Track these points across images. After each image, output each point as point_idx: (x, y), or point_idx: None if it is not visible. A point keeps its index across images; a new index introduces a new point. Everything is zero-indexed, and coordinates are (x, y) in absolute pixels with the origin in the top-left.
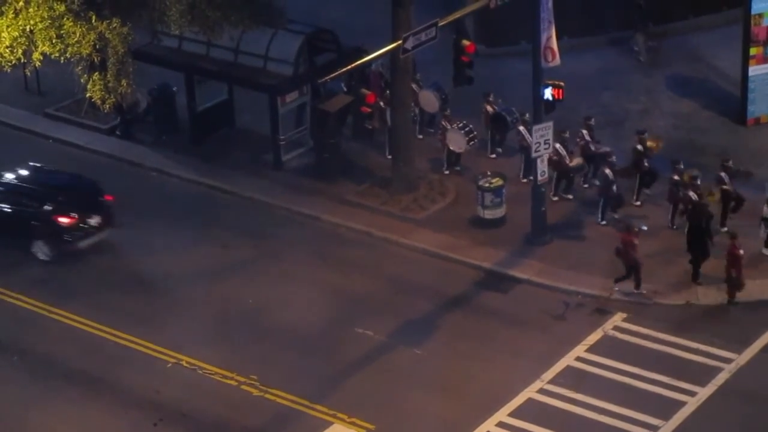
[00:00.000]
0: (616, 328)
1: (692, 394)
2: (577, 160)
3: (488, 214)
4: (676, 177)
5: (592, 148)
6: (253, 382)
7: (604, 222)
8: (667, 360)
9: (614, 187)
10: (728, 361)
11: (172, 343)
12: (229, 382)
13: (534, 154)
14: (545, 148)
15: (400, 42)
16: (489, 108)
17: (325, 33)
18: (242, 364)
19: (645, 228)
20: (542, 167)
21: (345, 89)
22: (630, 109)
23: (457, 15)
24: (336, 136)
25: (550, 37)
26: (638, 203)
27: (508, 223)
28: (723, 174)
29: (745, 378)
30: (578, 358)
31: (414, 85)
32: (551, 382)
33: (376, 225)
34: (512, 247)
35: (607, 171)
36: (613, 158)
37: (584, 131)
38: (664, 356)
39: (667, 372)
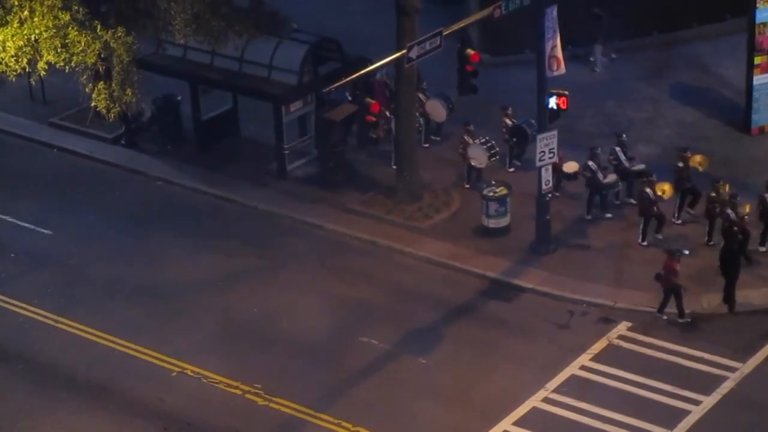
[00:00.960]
0: (620, 337)
1: (697, 403)
2: (610, 177)
3: (493, 224)
4: (713, 194)
5: (626, 165)
6: (257, 390)
7: (645, 243)
8: (672, 369)
9: (656, 207)
10: (733, 369)
11: (177, 352)
12: (233, 391)
13: (538, 163)
14: (549, 157)
15: (404, 51)
16: (508, 121)
17: (329, 42)
18: (247, 373)
19: (687, 252)
20: (546, 176)
21: (350, 98)
22: (634, 118)
23: (461, 24)
24: (340, 145)
25: (555, 46)
26: (679, 222)
27: (512, 232)
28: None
29: (750, 387)
30: (583, 367)
31: (421, 95)
32: (556, 391)
33: (380, 234)
34: (517, 256)
35: (648, 190)
36: (653, 177)
37: (617, 148)
38: (668, 365)
39: (671, 381)
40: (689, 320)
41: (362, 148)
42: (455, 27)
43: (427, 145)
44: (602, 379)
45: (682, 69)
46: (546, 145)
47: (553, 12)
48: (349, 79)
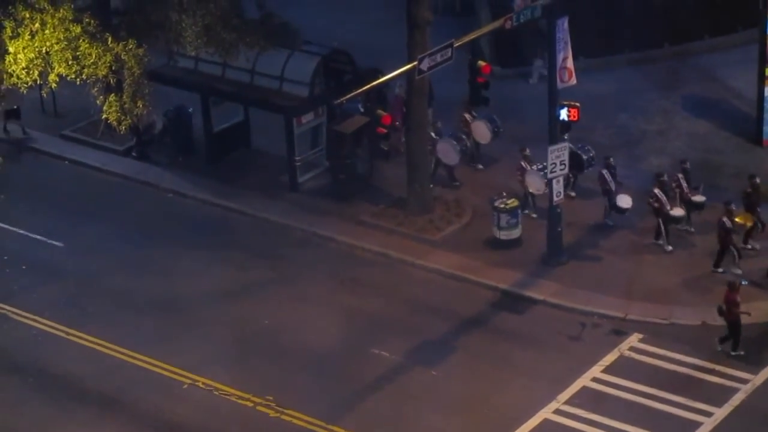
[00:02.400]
0: (632, 348)
1: (708, 414)
2: (678, 210)
3: (504, 235)
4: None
5: (687, 194)
6: (269, 402)
7: (721, 270)
8: (683, 381)
9: (733, 236)
10: (744, 381)
11: (188, 364)
12: (245, 403)
13: (549, 175)
14: (561, 169)
15: (415, 63)
16: None
17: (340, 54)
18: (258, 385)
19: (745, 282)
20: (557, 188)
21: (362, 110)
22: (646, 130)
23: (472, 36)
24: (352, 157)
25: (567, 58)
26: (720, 270)
27: (524, 244)
28: None
29: (761, 398)
30: (594, 379)
31: (467, 115)
32: (567, 402)
33: (392, 246)
34: (528, 268)
35: (726, 219)
36: (732, 206)
37: (680, 175)
38: (680, 377)
39: (683, 393)
40: (742, 353)
41: (374, 160)
42: (466, 39)
43: (482, 166)
44: (614, 390)
45: (694, 81)
46: (557, 157)
47: (564, 24)
48: (360, 90)
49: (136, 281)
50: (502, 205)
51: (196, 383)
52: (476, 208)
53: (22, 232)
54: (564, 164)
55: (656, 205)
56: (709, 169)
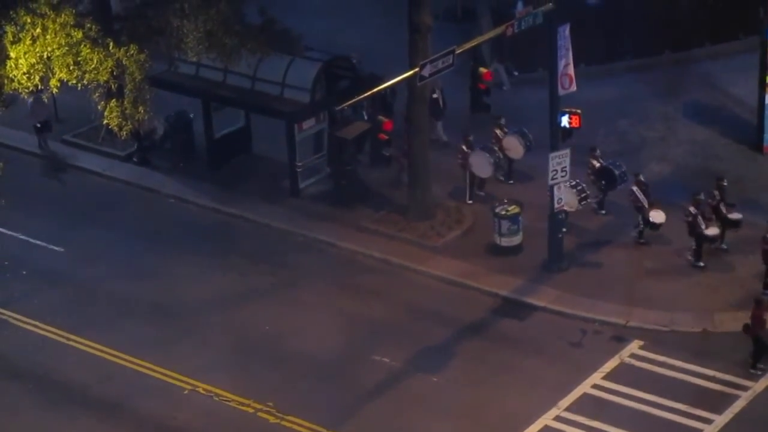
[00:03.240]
0: (633, 355)
1: (709, 421)
2: (713, 230)
3: (505, 242)
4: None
5: (724, 212)
6: (270, 408)
7: None
8: (684, 387)
9: None
10: (745, 388)
11: (189, 370)
12: (246, 409)
13: (550, 182)
14: (562, 176)
15: (417, 69)
16: (595, 162)
17: (342, 60)
18: (259, 391)
19: None
20: (558, 195)
21: (366, 117)
22: (647, 137)
23: (474, 43)
24: (353, 163)
25: (568, 64)
26: None
27: (525, 250)
28: None
29: (762, 405)
30: (595, 386)
31: (498, 130)
32: (568, 409)
33: (393, 252)
34: (529, 274)
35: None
36: None
37: (716, 192)
38: (680, 384)
39: (683, 399)
40: (760, 372)
41: (375, 166)
42: (468, 45)
43: (512, 181)
44: (614, 397)
45: (695, 87)
46: (558, 163)
47: (565, 30)
48: (361, 97)
49: (137, 287)
50: (503, 212)
51: (197, 389)
52: (477, 215)
53: (22, 237)
54: (565, 171)
55: (689, 220)
56: (709, 176)
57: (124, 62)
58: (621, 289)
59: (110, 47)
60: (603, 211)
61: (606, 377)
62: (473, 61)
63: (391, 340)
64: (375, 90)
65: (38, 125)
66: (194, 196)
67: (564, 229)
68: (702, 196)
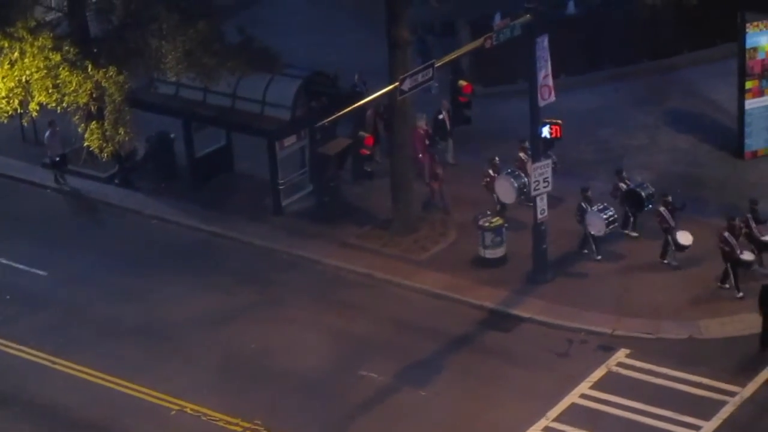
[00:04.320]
0: (619, 364)
1: (697, 428)
2: (747, 255)
3: (489, 254)
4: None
5: (757, 234)
6: (257, 427)
7: None
8: (672, 395)
9: None
10: (732, 394)
11: (176, 390)
12: (233, 428)
13: (533, 193)
14: (544, 187)
15: (397, 84)
16: (622, 185)
17: (322, 76)
18: (246, 410)
19: None
20: (542, 205)
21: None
22: (628, 145)
23: (453, 56)
24: (336, 179)
25: (547, 75)
26: None
27: (509, 261)
28: None
29: (750, 411)
30: (583, 396)
31: (522, 153)
32: (556, 420)
33: (377, 267)
34: (514, 285)
35: None
36: None
37: (749, 215)
38: (668, 391)
39: (671, 407)
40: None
41: (357, 182)
42: (447, 59)
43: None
44: (603, 407)
45: (675, 95)
46: (540, 174)
47: (544, 42)
48: (342, 112)
49: (122, 308)
50: (487, 224)
51: (185, 409)
52: (461, 227)
53: (4, 261)
54: (547, 181)
55: (727, 249)
56: (691, 183)
57: (103, 84)
58: (606, 299)
59: (89, 69)
60: (635, 234)
61: (594, 386)
62: (453, 74)
63: (378, 355)
64: (355, 105)
65: (55, 159)
66: (177, 216)
67: (596, 256)
68: (736, 221)
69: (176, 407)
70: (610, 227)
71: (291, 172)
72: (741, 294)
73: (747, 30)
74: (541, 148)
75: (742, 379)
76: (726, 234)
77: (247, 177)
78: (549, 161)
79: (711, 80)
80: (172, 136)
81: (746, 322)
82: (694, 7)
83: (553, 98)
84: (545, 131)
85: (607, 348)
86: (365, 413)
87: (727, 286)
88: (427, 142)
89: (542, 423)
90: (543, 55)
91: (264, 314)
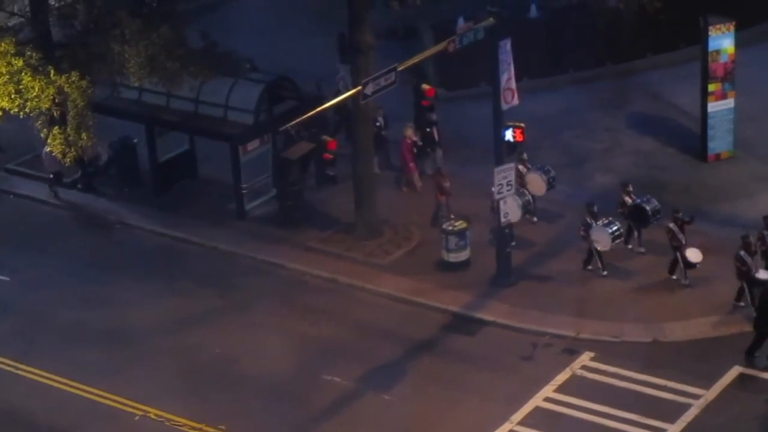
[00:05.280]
0: (584, 367)
1: (662, 431)
2: (764, 273)
3: (453, 258)
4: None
5: None
6: (222, 431)
7: None
8: (636, 398)
9: None
10: (697, 397)
11: (140, 396)
12: None
13: (496, 196)
14: (507, 190)
15: (359, 88)
16: (628, 199)
17: (285, 81)
18: (211, 415)
19: None
20: (505, 209)
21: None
22: (591, 149)
23: (416, 59)
24: (299, 184)
25: (510, 78)
26: None
27: (473, 265)
28: None
29: (714, 414)
30: (547, 399)
31: (521, 166)
32: (521, 423)
33: (341, 271)
34: (478, 289)
35: None
36: None
37: (765, 232)
38: (632, 394)
39: (636, 410)
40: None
41: (320, 186)
42: (410, 62)
43: (536, 219)
44: (567, 410)
45: (638, 98)
46: (504, 177)
47: (506, 45)
48: (305, 116)
49: (85, 313)
50: (450, 228)
51: (148, 414)
52: (424, 231)
53: None
54: (510, 185)
55: (743, 269)
56: (654, 186)
57: (66, 89)
58: (571, 302)
59: (52, 75)
60: (642, 249)
61: (558, 390)
62: (416, 77)
63: (342, 360)
64: (318, 110)
65: (51, 176)
66: (140, 221)
67: (602, 272)
68: (750, 239)
69: (140, 412)
70: (616, 242)
71: (255, 176)
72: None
73: (710, 33)
74: (504, 152)
75: (706, 381)
76: (742, 252)
77: (211, 181)
78: (512, 165)
79: (674, 83)
80: (135, 141)
81: (710, 325)
82: (657, 11)
83: (516, 101)
84: (508, 134)
85: (572, 351)
86: (329, 417)
87: (743, 304)
88: (415, 150)
89: (506, 426)
90: (506, 59)
91: (228, 319)
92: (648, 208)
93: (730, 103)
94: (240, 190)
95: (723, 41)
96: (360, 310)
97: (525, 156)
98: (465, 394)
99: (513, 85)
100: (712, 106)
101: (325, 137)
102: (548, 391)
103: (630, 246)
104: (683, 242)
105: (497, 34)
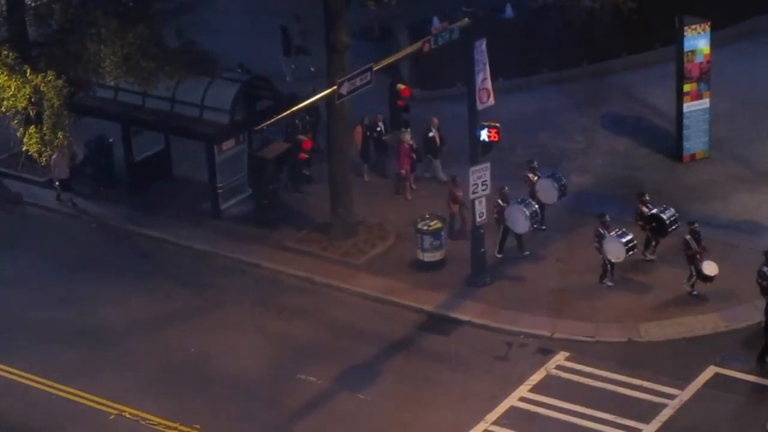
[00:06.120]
0: (559, 367)
1: (637, 431)
2: None
3: (428, 257)
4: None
5: None
6: (197, 431)
7: None
8: (611, 398)
9: None
10: (672, 397)
11: (115, 395)
12: None
13: (471, 196)
14: (483, 190)
15: (335, 88)
16: (644, 208)
17: (260, 81)
18: (186, 414)
19: None
20: (480, 209)
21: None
22: (566, 149)
23: (391, 59)
24: (274, 183)
25: (485, 79)
26: None
27: (448, 265)
28: None
29: (689, 414)
30: (522, 399)
31: (530, 174)
32: (496, 423)
33: (316, 271)
34: (453, 289)
35: None
36: None
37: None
38: (607, 394)
39: (611, 410)
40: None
41: (296, 186)
42: (385, 62)
43: (544, 227)
44: (542, 410)
45: (613, 98)
46: (479, 177)
47: (482, 45)
48: (280, 116)
49: (60, 312)
50: (426, 227)
51: (123, 413)
52: (400, 231)
53: None
54: (486, 185)
55: (764, 284)
56: (630, 187)
57: (42, 89)
58: (545, 302)
59: (28, 74)
60: (653, 257)
61: (533, 389)
62: (391, 77)
63: (317, 359)
64: (293, 110)
65: (60, 180)
66: (116, 221)
67: (608, 282)
68: None
69: (115, 411)
70: (630, 253)
71: (230, 175)
72: None
73: (685, 33)
74: (479, 152)
75: (681, 381)
76: (765, 269)
77: (186, 181)
78: (487, 165)
79: (649, 83)
80: (110, 140)
81: (686, 325)
82: (632, 11)
83: (492, 102)
84: (483, 134)
85: (546, 351)
86: (304, 417)
87: None
88: (414, 156)
89: (481, 426)
90: (481, 59)
91: (203, 318)
92: (665, 217)
93: (705, 103)
94: (215, 189)
95: (698, 41)
96: (335, 310)
97: (535, 163)
98: (440, 394)
99: (489, 85)
100: (688, 107)
101: (301, 137)
102: (523, 390)
103: (646, 256)
104: (699, 253)
105: (472, 34)
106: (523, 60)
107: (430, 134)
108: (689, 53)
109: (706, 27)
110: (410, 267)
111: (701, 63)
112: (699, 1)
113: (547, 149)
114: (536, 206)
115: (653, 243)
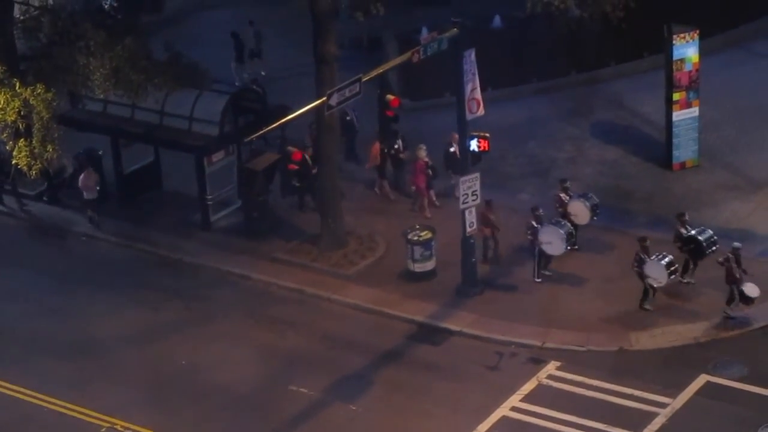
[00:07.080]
0: (550, 376)
1: None
2: None
3: (418, 268)
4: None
5: None
6: None
7: None
8: (602, 407)
9: None
10: (663, 405)
11: (106, 408)
12: None
13: (461, 206)
14: (473, 200)
15: (324, 99)
16: (683, 230)
17: (250, 92)
18: (177, 426)
19: None
20: (470, 219)
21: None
22: (556, 158)
23: (380, 70)
24: (264, 194)
25: (475, 89)
26: None
27: (438, 275)
28: None
29: (681, 422)
30: (513, 408)
31: (562, 194)
32: None
33: (307, 282)
34: (444, 299)
35: None
36: None
37: None
38: (599, 403)
39: (602, 419)
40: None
41: (285, 197)
42: (374, 73)
43: (577, 247)
44: (533, 419)
45: (602, 107)
46: (469, 187)
47: (471, 55)
48: (270, 128)
49: (51, 325)
50: (416, 238)
51: (115, 426)
52: (390, 242)
53: None
54: (476, 194)
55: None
56: (619, 195)
57: (31, 102)
58: (536, 311)
59: (17, 87)
60: (692, 281)
61: (524, 399)
62: (380, 88)
63: (309, 370)
64: (282, 120)
65: (88, 200)
66: (105, 233)
67: (647, 306)
68: None
69: (106, 424)
70: (672, 277)
71: (220, 187)
72: None
73: (674, 42)
74: (469, 162)
75: (672, 390)
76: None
77: (176, 193)
78: (477, 174)
79: (638, 92)
80: (100, 152)
81: (676, 334)
82: (621, 20)
83: (482, 112)
84: (473, 144)
85: (538, 360)
86: (295, 428)
87: None
88: (430, 173)
89: None
90: (470, 69)
91: (193, 330)
92: (702, 239)
93: (694, 111)
94: (205, 201)
95: (687, 50)
96: (326, 321)
97: (568, 184)
98: (431, 404)
99: (478, 95)
100: (677, 115)
101: (290, 148)
102: (515, 400)
103: (685, 280)
104: (739, 275)
105: (461, 45)
106: (512, 70)
107: (451, 149)
108: (678, 62)
109: (695, 35)
110: (400, 277)
111: (690, 71)
112: (687, 10)
113: (536, 159)
114: (570, 227)
115: (691, 266)
